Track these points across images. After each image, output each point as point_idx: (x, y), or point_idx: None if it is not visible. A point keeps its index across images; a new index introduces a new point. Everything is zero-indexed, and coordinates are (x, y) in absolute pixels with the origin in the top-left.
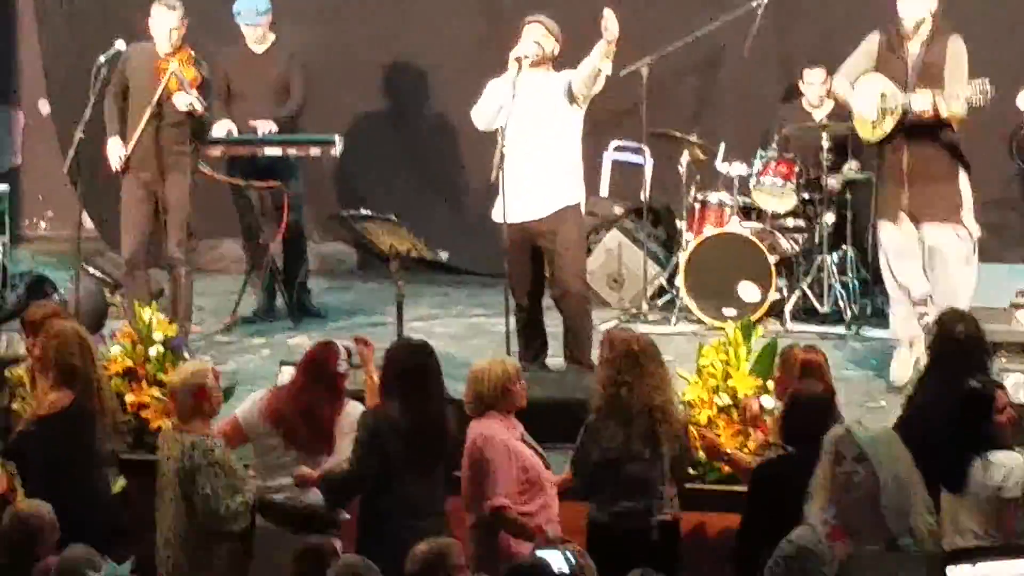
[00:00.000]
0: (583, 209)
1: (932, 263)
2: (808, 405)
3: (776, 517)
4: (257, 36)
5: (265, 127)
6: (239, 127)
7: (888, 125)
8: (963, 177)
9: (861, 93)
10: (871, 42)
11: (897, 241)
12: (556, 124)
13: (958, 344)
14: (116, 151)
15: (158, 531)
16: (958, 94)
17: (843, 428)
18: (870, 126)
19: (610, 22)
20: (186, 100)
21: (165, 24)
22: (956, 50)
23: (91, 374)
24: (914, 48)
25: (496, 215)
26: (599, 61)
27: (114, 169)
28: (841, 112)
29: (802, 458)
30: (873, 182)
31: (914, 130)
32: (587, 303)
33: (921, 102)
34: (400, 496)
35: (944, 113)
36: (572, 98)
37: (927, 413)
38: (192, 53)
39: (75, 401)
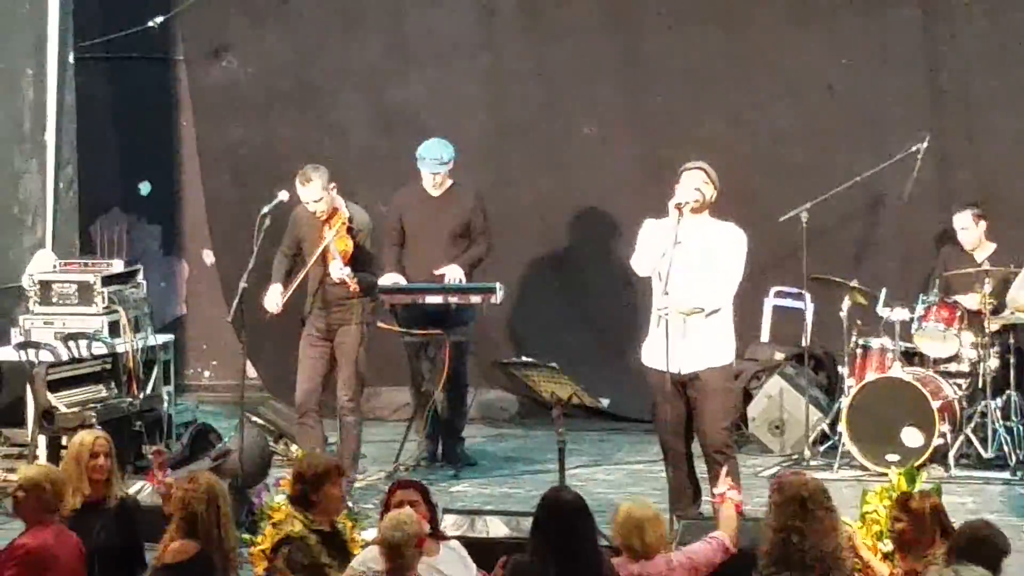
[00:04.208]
0: (732, 364)
1: None
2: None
3: None
4: (436, 182)
5: (453, 274)
6: (415, 269)
7: None
8: None
9: None
10: None
11: None
12: (714, 271)
13: None
14: (274, 298)
15: None
16: None
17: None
18: None
19: None
20: (339, 272)
21: (307, 197)
22: None
23: (214, 526)
24: None
25: (645, 358)
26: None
27: (269, 313)
28: (999, 258)
29: None
30: None
31: None
32: (731, 451)
33: None
34: None
35: None
36: None
37: None
38: (347, 221)
39: (199, 553)
